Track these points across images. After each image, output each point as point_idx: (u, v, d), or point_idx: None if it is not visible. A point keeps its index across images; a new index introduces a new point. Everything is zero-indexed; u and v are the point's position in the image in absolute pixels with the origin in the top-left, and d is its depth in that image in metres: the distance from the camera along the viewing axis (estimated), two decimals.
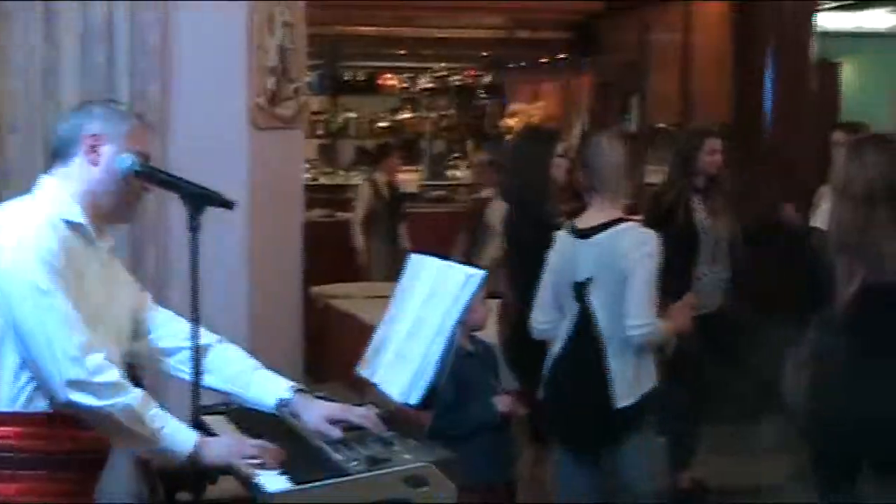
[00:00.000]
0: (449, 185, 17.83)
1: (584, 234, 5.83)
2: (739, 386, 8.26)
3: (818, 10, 10.52)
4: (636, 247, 5.72)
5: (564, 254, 5.93)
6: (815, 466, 5.94)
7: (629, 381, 5.76)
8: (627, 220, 5.84)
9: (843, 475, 5.76)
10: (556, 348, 5.95)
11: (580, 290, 5.81)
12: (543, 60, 17.74)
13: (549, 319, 5.99)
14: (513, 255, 7.07)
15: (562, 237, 6.00)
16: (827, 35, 12.20)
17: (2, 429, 3.87)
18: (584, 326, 5.82)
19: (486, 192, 10.70)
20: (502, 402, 5.90)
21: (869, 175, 5.45)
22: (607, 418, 5.78)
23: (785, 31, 10.05)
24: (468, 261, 7.03)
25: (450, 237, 10.73)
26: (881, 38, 16.95)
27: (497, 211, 8.56)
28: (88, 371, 3.79)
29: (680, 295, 6.47)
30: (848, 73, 15.69)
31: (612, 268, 5.71)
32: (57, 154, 4.09)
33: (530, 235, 6.78)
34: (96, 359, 3.81)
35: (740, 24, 10.47)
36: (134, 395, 3.87)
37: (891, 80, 17.23)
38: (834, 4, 14.98)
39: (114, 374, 3.85)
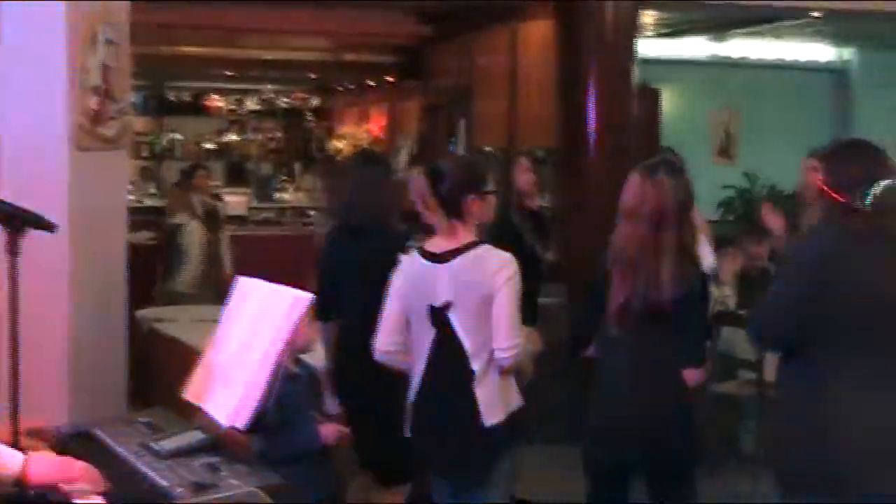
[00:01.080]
0: (279, 208, 17.80)
1: (440, 258, 5.81)
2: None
3: (639, 38, 10.62)
4: (499, 270, 5.70)
5: (416, 278, 5.90)
6: (586, 473, 6.07)
7: (496, 401, 5.76)
8: (483, 243, 5.83)
9: (610, 481, 5.94)
10: (416, 375, 5.91)
11: (438, 313, 5.79)
12: (371, 84, 17.78)
13: (395, 342, 5.94)
14: (339, 280, 7.00)
15: (411, 261, 5.96)
16: (648, 62, 12.33)
17: None
18: (445, 350, 5.80)
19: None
20: (328, 433, 5.88)
21: (660, 196, 5.61)
22: (476, 440, 5.77)
23: (607, 56, 10.14)
24: None
25: (279, 260, 10.70)
26: (700, 65, 17.26)
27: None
28: None
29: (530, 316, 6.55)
30: (668, 99, 15.92)
31: (474, 291, 5.69)
32: None
33: (366, 259, 6.79)
34: None
35: (564, 49, 10.55)
36: None
37: (708, 104, 17.59)
38: (655, 32, 15.22)
39: None
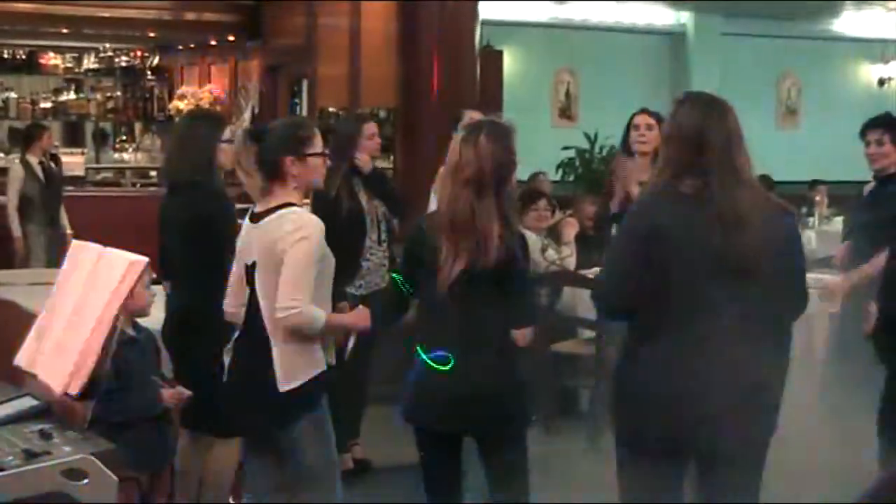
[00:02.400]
0: (116, 169, 17.68)
1: (256, 218, 5.81)
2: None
3: (481, 0, 10.68)
4: (292, 231, 5.66)
5: (242, 238, 5.90)
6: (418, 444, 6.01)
7: (291, 366, 5.75)
8: (292, 205, 5.82)
9: (442, 445, 5.90)
10: (231, 338, 5.91)
11: (249, 273, 5.79)
12: (212, 43, 17.67)
13: (235, 303, 5.92)
14: (165, 238, 6.94)
15: (244, 225, 5.96)
16: (490, 24, 12.40)
17: None
18: (254, 311, 5.80)
19: None
20: (167, 396, 5.86)
21: (481, 158, 5.63)
22: (269, 401, 5.76)
23: (449, 19, 10.19)
24: None
25: (117, 222, 10.60)
26: (542, 27, 17.36)
27: None
28: None
29: (351, 275, 6.55)
30: (511, 61, 16.01)
31: (271, 251, 5.68)
32: None
33: (179, 216, 6.77)
34: None
35: (406, 12, 10.58)
36: None
37: (550, 66, 17.72)
38: None
39: None
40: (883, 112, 8.01)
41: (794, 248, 5.24)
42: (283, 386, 5.67)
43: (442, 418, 5.72)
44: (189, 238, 6.54)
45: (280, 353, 5.68)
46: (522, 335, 5.72)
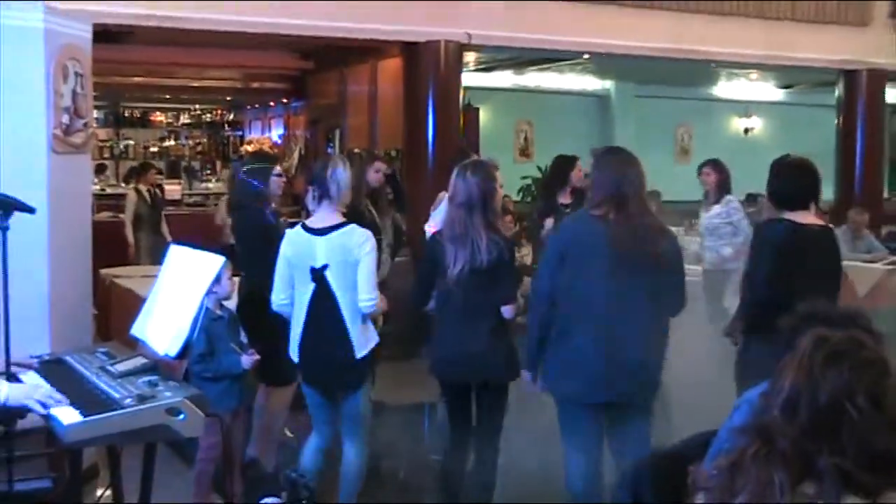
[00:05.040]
0: (203, 194, 17.72)
1: (319, 231, 5.79)
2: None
3: (463, 71, 10.65)
4: (363, 243, 5.73)
5: (300, 246, 5.87)
6: (441, 391, 6.12)
7: (361, 339, 5.77)
8: (349, 223, 5.85)
9: (457, 395, 5.97)
10: (300, 318, 5.88)
11: (317, 273, 5.76)
12: (270, 103, 17.70)
13: (286, 296, 5.91)
14: (240, 245, 6.94)
15: (295, 234, 5.93)
16: (470, 88, 12.38)
17: None
18: (321, 300, 5.78)
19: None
20: (247, 361, 5.84)
21: (470, 188, 5.67)
22: (350, 366, 5.78)
23: (441, 84, 10.14)
24: None
25: (203, 232, 10.58)
26: (507, 91, 17.39)
27: None
28: None
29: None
30: (485, 115, 16.00)
31: (345, 257, 5.70)
32: None
33: (238, 228, 6.82)
34: None
35: (410, 78, 10.53)
36: None
37: (513, 119, 17.77)
38: (474, 67, 15.27)
39: None
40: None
41: (673, 260, 5.36)
42: (359, 354, 5.69)
43: (456, 372, 5.88)
44: (250, 243, 6.53)
45: (355, 331, 5.71)
46: (510, 309, 5.77)
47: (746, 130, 20.36)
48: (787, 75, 17.52)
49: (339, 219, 5.81)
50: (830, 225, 6.26)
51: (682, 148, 19.45)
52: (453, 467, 6.00)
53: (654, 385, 5.41)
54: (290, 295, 5.86)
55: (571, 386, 5.35)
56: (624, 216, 5.25)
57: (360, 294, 5.70)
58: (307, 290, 5.79)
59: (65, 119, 6.99)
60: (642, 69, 15.81)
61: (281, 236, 6.08)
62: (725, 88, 19.43)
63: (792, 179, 5.73)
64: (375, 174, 8.27)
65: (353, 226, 5.81)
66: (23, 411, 3.98)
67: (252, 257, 6.16)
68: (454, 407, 6.04)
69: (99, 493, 5.40)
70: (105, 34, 7.78)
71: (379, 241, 8.02)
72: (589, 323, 5.24)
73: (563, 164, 8.74)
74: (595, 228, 5.29)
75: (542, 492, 6.16)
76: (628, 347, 5.16)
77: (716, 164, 9.52)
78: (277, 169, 7.14)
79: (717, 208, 9.34)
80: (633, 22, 10.51)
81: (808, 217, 5.63)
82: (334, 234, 5.75)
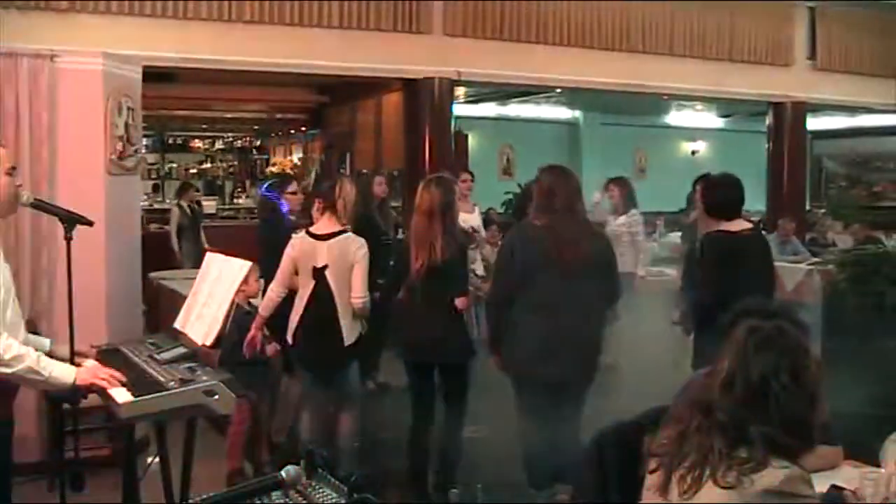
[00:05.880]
0: (234, 208, 17.73)
1: (323, 237, 5.81)
2: None
3: (454, 103, 10.67)
4: (358, 248, 5.76)
5: (305, 249, 5.89)
6: (407, 370, 6.08)
7: (350, 328, 5.78)
8: (347, 230, 5.87)
9: (418, 372, 5.97)
10: (299, 309, 5.89)
11: (318, 272, 5.78)
12: (291, 131, 17.70)
13: (283, 291, 5.93)
14: (262, 251, 6.96)
15: (301, 238, 5.95)
16: (461, 118, 12.39)
17: None
18: (319, 296, 5.79)
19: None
20: (270, 349, 5.86)
21: (432, 198, 5.74)
22: (339, 351, 5.78)
23: (435, 114, 10.14)
24: None
25: (234, 241, 10.58)
26: (491, 119, 17.43)
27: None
28: (0, 353, 3.60)
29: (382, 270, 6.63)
30: (473, 140, 16.02)
31: (343, 260, 5.72)
32: None
33: (269, 241, 6.85)
34: (4, 341, 3.61)
35: (409, 109, 10.54)
36: (31, 359, 3.69)
37: (497, 143, 17.77)
38: (463, 100, 15.29)
39: (15, 350, 3.64)
40: (702, 173, 8.07)
41: (606, 259, 5.45)
42: (347, 342, 5.70)
43: (419, 354, 5.91)
44: (267, 249, 6.56)
45: (345, 323, 5.74)
46: (462, 301, 5.79)
47: (693, 152, 20.41)
48: (727, 107, 17.61)
49: (340, 227, 5.85)
50: (760, 227, 6.29)
51: (640, 168, 19.47)
52: (417, 439, 5.99)
53: (594, 366, 5.44)
54: (284, 292, 5.89)
55: (526, 366, 5.37)
56: (556, 222, 5.30)
57: (353, 292, 5.73)
58: (308, 286, 5.82)
59: (118, 146, 7.01)
60: (606, 101, 15.85)
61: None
62: (675, 117, 19.52)
63: (724, 193, 5.72)
64: (378, 187, 8.38)
65: (350, 234, 5.85)
66: (87, 391, 3.99)
67: (269, 262, 6.18)
68: (417, 385, 6.03)
69: (149, 460, 5.41)
70: (153, 74, 7.80)
71: (387, 244, 8.08)
72: (536, 313, 5.28)
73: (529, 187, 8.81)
74: (534, 233, 5.35)
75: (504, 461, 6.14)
76: (570, 333, 5.21)
77: (619, 181, 9.66)
78: (291, 187, 7.18)
79: (622, 219, 9.46)
80: (598, 61, 10.56)
81: (741, 224, 5.64)
82: (335, 239, 5.80)
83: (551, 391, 5.32)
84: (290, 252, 5.93)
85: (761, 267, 5.69)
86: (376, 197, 8.63)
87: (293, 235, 6.12)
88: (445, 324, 5.76)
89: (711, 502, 2.37)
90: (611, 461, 3.06)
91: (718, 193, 5.73)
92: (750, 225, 5.86)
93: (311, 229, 5.95)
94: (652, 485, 2.58)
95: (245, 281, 5.24)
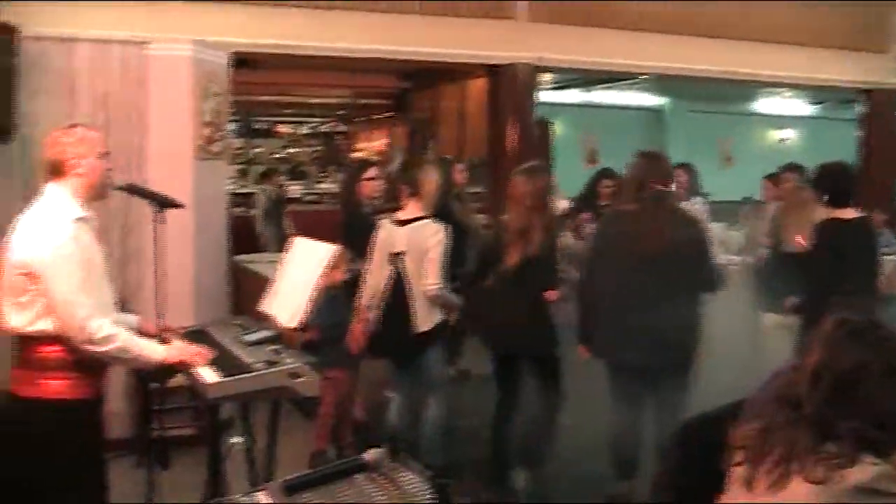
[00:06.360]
0: (319, 193, 17.84)
1: (402, 223, 5.82)
2: None
3: (538, 90, 10.60)
4: (433, 234, 5.73)
5: (386, 234, 5.92)
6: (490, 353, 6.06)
7: (424, 316, 5.77)
8: (428, 217, 5.85)
9: (505, 360, 5.94)
10: (378, 295, 5.92)
11: (395, 258, 5.80)
12: (375, 117, 17.75)
13: (380, 280, 5.93)
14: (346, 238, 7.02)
15: (385, 224, 5.98)
16: (543, 104, 12.30)
17: (50, 347, 3.75)
18: (397, 282, 5.81)
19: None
20: (357, 329, 5.91)
21: (528, 188, 5.70)
22: (414, 338, 5.78)
23: (518, 100, 10.10)
24: None
25: (319, 225, 10.66)
26: (576, 107, 17.29)
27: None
28: (92, 333, 3.68)
29: (462, 261, 6.61)
30: (557, 128, 15.93)
31: (418, 246, 5.71)
32: (53, 170, 3.89)
33: (355, 228, 6.82)
34: (96, 322, 3.70)
35: (493, 96, 10.50)
36: (121, 339, 3.77)
37: (580, 131, 17.62)
38: (547, 86, 15.19)
39: (108, 329, 3.73)
40: (788, 161, 7.95)
41: (697, 246, 5.26)
42: (421, 329, 5.68)
43: (507, 345, 5.89)
44: (347, 233, 6.59)
45: (419, 310, 5.74)
46: (552, 294, 5.72)
47: (781, 140, 20.03)
48: (817, 94, 17.23)
49: (421, 213, 5.84)
50: (867, 215, 6.14)
51: (725, 156, 19.18)
52: (500, 427, 5.97)
53: (685, 354, 5.32)
54: (382, 279, 5.89)
55: (614, 354, 5.33)
56: (646, 208, 5.22)
57: (426, 279, 5.70)
58: (386, 271, 5.84)
59: (206, 132, 7.10)
60: (692, 88, 15.64)
61: (370, 228, 6.15)
62: (764, 104, 19.16)
63: (837, 181, 5.67)
64: (459, 174, 8.39)
65: (428, 220, 5.82)
66: (173, 371, 4.06)
67: (349, 244, 6.23)
68: (502, 374, 5.99)
69: (233, 441, 5.49)
70: (239, 61, 7.89)
71: (465, 232, 8.07)
72: (624, 300, 5.21)
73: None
74: (622, 221, 5.28)
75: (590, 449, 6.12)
76: (658, 321, 5.11)
77: (686, 167, 9.36)
78: (369, 173, 7.21)
79: (684, 205, 9.22)
80: (686, 47, 10.41)
81: (852, 212, 5.56)
82: (412, 225, 5.79)
83: (638, 379, 5.28)
84: (375, 238, 5.98)
85: (869, 255, 5.62)
86: (456, 184, 8.64)
87: (379, 222, 6.14)
88: (533, 314, 5.72)
89: (800, 498, 2.32)
90: (693, 454, 3.02)
91: (832, 181, 5.66)
92: (860, 213, 5.79)
93: (397, 215, 5.98)
94: (737, 478, 2.54)
95: (335, 265, 5.30)
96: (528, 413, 5.91)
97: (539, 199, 5.70)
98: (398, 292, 5.81)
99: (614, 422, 5.47)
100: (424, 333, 5.79)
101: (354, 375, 6.55)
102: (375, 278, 5.93)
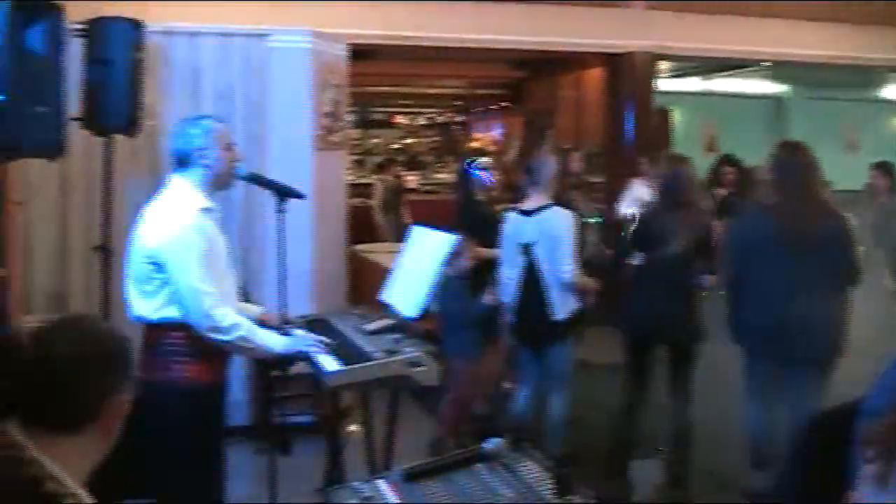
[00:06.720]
0: (435, 184, 17.92)
1: (528, 213, 5.80)
2: None
3: (656, 78, 10.44)
4: (564, 221, 5.71)
5: (513, 226, 5.90)
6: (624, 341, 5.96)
7: (560, 304, 5.75)
8: (555, 204, 5.82)
9: (642, 349, 5.85)
10: (511, 287, 5.91)
11: (526, 248, 5.78)
12: (492, 107, 17.73)
13: (511, 274, 5.92)
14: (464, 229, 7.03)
15: (511, 216, 5.96)
16: (662, 93, 12.11)
17: (175, 333, 3.83)
18: (529, 272, 5.79)
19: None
20: (488, 298, 5.91)
21: (684, 183, 5.71)
22: (551, 326, 5.75)
23: (637, 89, 9.98)
24: None
25: (436, 215, 10.71)
26: (694, 95, 16.99)
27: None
28: (216, 321, 3.75)
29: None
30: (676, 117, 15.68)
31: (549, 234, 5.70)
32: (179, 161, 3.97)
33: (471, 218, 6.84)
34: (220, 311, 3.76)
35: (610, 85, 10.40)
36: (244, 328, 3.83)
37: (700, 119, 17.30)
38: (666, 75, 14.95)
39: (231, 318, 3.80)
40: None
41: (839, 238, 5.10)
42: (559, 316, 5.66)
43: (650, 332, 5.81)
44: (462, 222, 6.57)
45: (555, 297, 5.72)
46: (709, 279, 5.65)
47: None
48: None
49: (546, 202, 5.80)
50: None
51: (850, 144, 18.60)
52: (628, 418, 5.91)
53: (828, 347, 5.16)
54: (515, 272, 5.87)
55: (755, 345, 5.23)
56: (786, 200, 5.09)
57: (561, 266, 5.66)
58: (518, 262, 5.81)
59: (325, 122, 7.16)
60: (814, 75, 15.23)
61: (485, 218, 6.14)
62: (891, 91, 18.54)
63: None
64: (575, 164, 8.32)
65: (555, 207, 5.79)
66: (294, 359, 4.10)
67: (464, 233, 6.23)
68: (637, 364, 5.90)
69: (352, 428, 5.54)
70: (357, 52, 7.96)
71: (584, 225, 8.01)
72: (765, 292, 5.10)
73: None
74: (762, 214, 5.17)
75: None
76: (799, 313, 4.98)
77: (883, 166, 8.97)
78: (483, 162, 7.20)
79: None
80: (807, 34, 10.11)
81: None
82: (540, 214, 5.76)
83: (782, 370, 5.18)
84: (504, 230, 5.98)
85: None
86: (572, 173, 8.57)
87: (506, 214, 6.12)
88: (682, 305, 5.65)
89: None
90: (822, 448, 2.92)
91: None
92: None
93: (521, 206, 5.95)
94: (869, 476, 2.44)
95: (459, 252, 5.33)
96: (656, 404, 5.85)
97: (685, 190, 5.67)
98: (532, 282, 5.79)
99: (752, 414, 5.37)
100: (561, 322, 5.76)
101: (477, 365, 6.54)
102: (508, 270, 5.93)
